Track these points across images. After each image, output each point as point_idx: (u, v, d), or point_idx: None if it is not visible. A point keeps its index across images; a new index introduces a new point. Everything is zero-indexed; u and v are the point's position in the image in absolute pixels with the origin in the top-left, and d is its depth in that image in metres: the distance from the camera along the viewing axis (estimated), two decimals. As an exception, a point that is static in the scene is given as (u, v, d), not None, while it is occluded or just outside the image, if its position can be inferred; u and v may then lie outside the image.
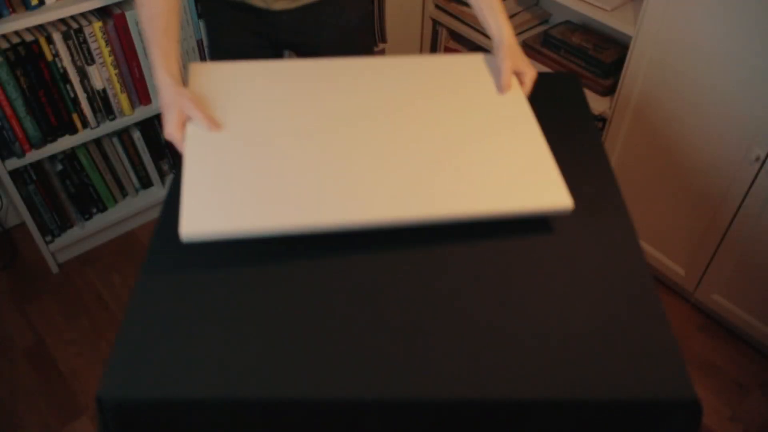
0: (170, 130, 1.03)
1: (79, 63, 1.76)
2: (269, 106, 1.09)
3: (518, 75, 1.17)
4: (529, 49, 2.03)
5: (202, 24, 1.93)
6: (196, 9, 1.91)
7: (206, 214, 0.92)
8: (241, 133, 1.04)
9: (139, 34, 1.84)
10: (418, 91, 1.14)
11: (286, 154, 1.02)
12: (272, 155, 1.02)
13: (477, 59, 1.22)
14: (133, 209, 2.14)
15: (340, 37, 1.42)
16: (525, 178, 0.98)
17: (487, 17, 1.20)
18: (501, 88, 1.13)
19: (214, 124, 1.03)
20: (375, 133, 1.06)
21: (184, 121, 1.05)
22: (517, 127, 1.08)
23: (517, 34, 2.09)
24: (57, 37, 1.69)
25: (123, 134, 2.01)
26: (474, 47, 2.26)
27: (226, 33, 1.43)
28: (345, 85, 1.14)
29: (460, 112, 1.09)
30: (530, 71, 1.16)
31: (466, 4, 2.17)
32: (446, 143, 1.04)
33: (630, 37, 1.67)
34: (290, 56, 1.53)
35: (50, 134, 1.83)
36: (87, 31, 1.73)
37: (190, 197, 0.94)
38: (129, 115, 1.95)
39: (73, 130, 1.86)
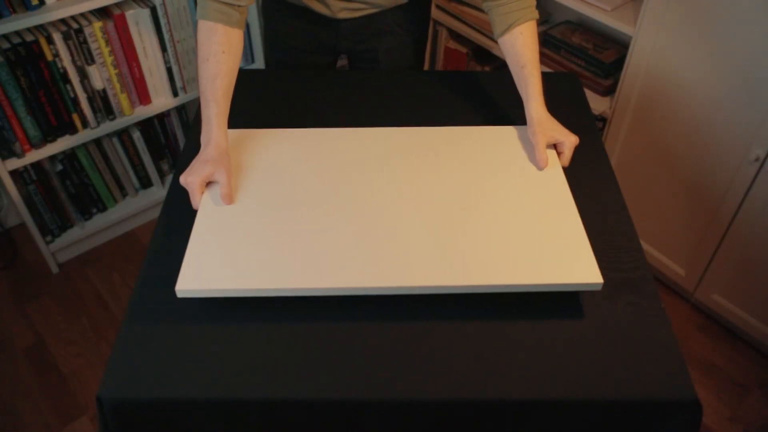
0: (192, 180, 1.02)
1: (79, 63, 1.76)
2: (292, 175, 1.09)
3: (556, 146, 1.15)
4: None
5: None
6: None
7: (202, 273, 0.93)
8: (255, 201, 1.04)
9: (139, 34, 1.84)
10: (451, 163, 1.12)
11: (300, 221, 1.01)
12: (284, 223, 1.00)
13: (512, 132, 1.20)
14: (133, 209, 2.14)
15: (398, 46, 1.44)
16: (556, 252, 0.97)
17: (520, 90, 1.19)
18: (537, 165, 1.11)
19: (230, 199, 1.03)
20: (398, 203, 1.04)
21: (209, 181, 1.05)
22: (551, 202, 1.05)
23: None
24: (57, 37, 1.69)
25: (123, 134, 2.01)
26: (474, 47, 2.26)
27: (284, 37, 1.44)
28: (373, 155, 1.13)
29: (494, 186, 1.08)
30: (568, 139, 1.13)
31: (467, 4, 2.17)
32: (475, 215, 1.02)
33: (630, 37, 1.67)
34: (345, 61, 1.53)
35: (50, 134, 1.82)
36: (87, 31, 1.73)
37: (191, 256, 0.96)
38: (129, 115, 1.95)
39: (73, 130, 1.86)
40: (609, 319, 0.93)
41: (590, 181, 1.15)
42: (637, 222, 1.88)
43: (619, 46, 1.90)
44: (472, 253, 0.96)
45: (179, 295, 0.92)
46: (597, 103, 1.86)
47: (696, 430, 0.86)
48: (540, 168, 1.11)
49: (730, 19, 1.43)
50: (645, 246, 1.91)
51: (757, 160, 1.50)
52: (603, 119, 1.86)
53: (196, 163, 1.05)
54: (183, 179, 1.03)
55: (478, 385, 0.85)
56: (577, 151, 1.18)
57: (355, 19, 1.37)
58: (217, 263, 0.94)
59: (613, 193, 1.13)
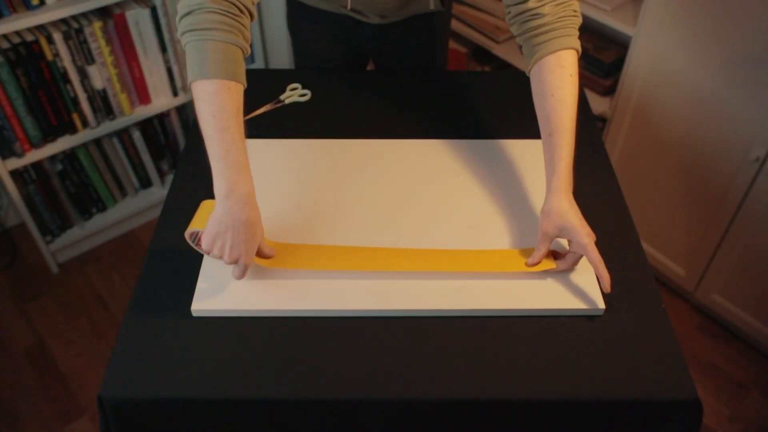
0: (249, 261, 0.90)
1: (79, 63, 1.76)
2: (312, 190, 1.09)
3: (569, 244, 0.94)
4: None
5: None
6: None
7: (216, 293, 0.94)
8: (274, 218, 1.04)
9: (139, 34, 1.84)
10: (462, 180, 1.12)
11: (315, 239, 1.01)
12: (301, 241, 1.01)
13: (528, 147, 1.20)
14: (133, 209, 2.14)
15: (426, 45, 1.41)
16: (559, 278, 0.97)
17: (545, 159, 0.97)
18: (528, 262, 0.96)
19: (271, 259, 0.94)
20: (407, 224, 1.04)
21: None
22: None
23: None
24: (57, 36, 1.69)
25: (123, 134, 2.01)
26: (474, 47, 2.26)
27: (313, 43, 1.41)
28: (391, 169, 1.14)
29: (503, 205, 1.08)
30: (580, 240, 0.90)
31: (466, 4, 2.17)
32: (481, 236, 1.03)
33: (630, 37, 1.67)
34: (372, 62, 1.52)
35: (50, 134, 1.83)
36: (87, 31, 1.73)
37: (205, 275, 0.96)
38: (129, 115, 1.95)
39: (73, 130, 1.86)
40: (609, 319, 0.93)
41: (590, 181, 1.15)
42: (638, 222, 1.87)
43: (619, 46, 1.90)
44: (473, 277, 0.96)
45: (195, 314, 0.92)
46: (597, 104, 1.86)
47: (696, 430, 0.87)
48: (528, 264, 0.96)
49: (730, 18, 1.43)
50: (645, 246, 1.91)
51: (756, 160, 1.50)
52: (603, 119, 1.86)
53: (238, 234, 0.86)
54: (238, 261, 0.88)
55: (479, 385, 0.85)
56: (578, 151, 1.17)
57: (388, 24, 1.34)
58: (230, 285, 0.94)
59: (614, 193, 1.13)
